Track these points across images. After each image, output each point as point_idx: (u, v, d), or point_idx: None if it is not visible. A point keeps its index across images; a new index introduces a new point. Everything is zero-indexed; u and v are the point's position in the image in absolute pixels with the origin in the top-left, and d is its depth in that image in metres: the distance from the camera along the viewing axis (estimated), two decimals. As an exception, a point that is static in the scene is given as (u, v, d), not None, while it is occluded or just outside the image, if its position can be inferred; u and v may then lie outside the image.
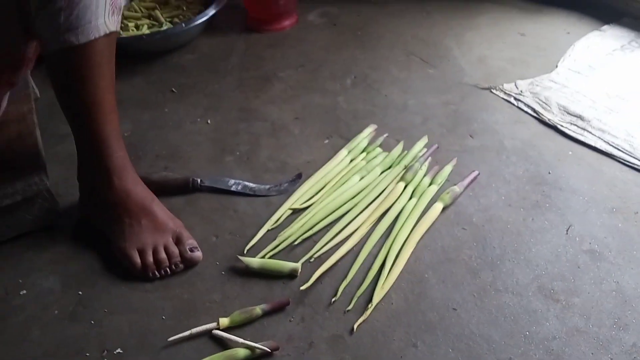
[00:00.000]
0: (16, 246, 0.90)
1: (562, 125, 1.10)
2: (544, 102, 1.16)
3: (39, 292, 0.83)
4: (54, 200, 0.92)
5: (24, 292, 0.83)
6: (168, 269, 0.85)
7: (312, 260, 0.84)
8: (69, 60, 0.79)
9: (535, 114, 1.14)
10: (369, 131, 1.11)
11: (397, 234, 0.87)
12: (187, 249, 0.86)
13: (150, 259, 0.84)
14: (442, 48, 1.40)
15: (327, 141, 1.12)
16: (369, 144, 1.09)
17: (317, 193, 0.97)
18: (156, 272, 0.84)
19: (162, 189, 0.95)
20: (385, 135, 1.10)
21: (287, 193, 0.98)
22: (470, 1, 1.59)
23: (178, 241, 0.87)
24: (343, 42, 1.44)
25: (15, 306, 0.81)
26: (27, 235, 0.91)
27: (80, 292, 0.82)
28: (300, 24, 1.53)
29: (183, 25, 1.34)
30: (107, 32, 0.79)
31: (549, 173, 0.99)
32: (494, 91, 1.22)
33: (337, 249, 0.85)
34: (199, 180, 0.99)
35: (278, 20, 1.49)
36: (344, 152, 1.06)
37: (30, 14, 0.78)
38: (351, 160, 1.04)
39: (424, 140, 1.08)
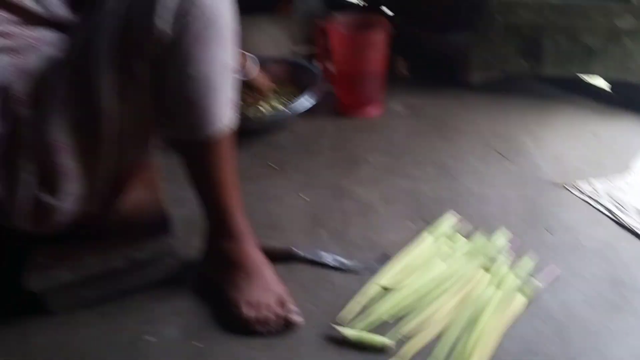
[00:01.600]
0: (143, 296, 1.04)
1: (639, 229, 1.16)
2: (619, 204, 1.23)
3: (162, 340, 0.95)
4: (177, 257, 1.07)
5: (149, 338, 0.96)
6: (271, 328, 0.96)
7: (402, 338, 0.93)
8: (201, 151, 0.94)
9: (611, 215, 1.21)
10: (450, 218, 1.21)
11: (481, 322, 0.95)
12: (289, 313, 0.97)
13: (257, 314, 0.96)
14: (518, 143, 1.51)
15: (410, 224, 1.22)
16: (451, 230, 1.18)
17: (403, 274, 1.07)
18: (260, 327, 0.95)
19: (268, 256, 1.08)
20: (465, 223, 1.20)
21: (376, 271, 1.08)
22: (545, 100, 1.70)
23: (281, 304, 0.98)
24: (424, 132, 1.58)
25: (140, 348, 0.94)
26: (153, 287, 1.05)
27: (197, 344, 0.94)
28: (384, 112, 1.68)
29: (287, 111, 1.52)
30: (228, 128, 0.94)
31: (628, 276, 1.05)
32: (569, 189, 1.31)
33: (425, 330, 0.94)
34: (298, 251, 1.11)
35: (365, 107, 1.65)
36: (427, 236, 1.16)
37: (160, 118, 0.93)
38: (434, 246, 1.14)
39: (503, 232, 1.17)
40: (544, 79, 1.74)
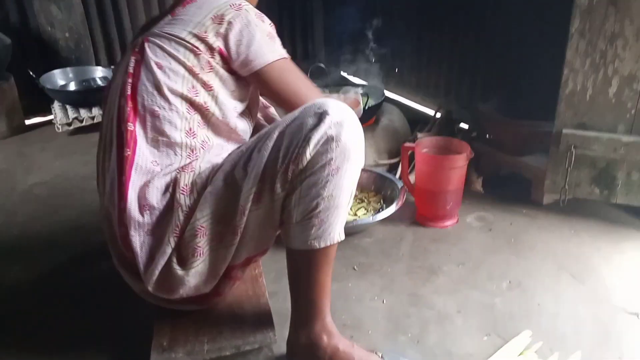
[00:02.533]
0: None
1: None
2: (695, 339, 1.26)
3: None
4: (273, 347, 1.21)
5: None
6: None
7: None
8: (308, 257, 1.11)
9: (686, 350, 1.24)
10: (525, 336, 1.29)
11: None
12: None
13: None
14: (590, 266, 1.58)
15: (485, 338, 1.31)
16: (526, 348, 1.26)
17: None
18: None
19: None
20: (540, 343, 1.27)
21: (454, 381, 1.17)
22: (617, 225, 1.78)
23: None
24: (498, 247, 1.68)
25: None
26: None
27: None
28: (460, 224, 1.81)
29: (372, 218, 1.69)
30: (340, 240, 1.12)
31: None
32: (643, 318, 1.35)
33: None
34: (381, 355, 1.22)
35: (442, 219, 1.79)
36: (502, 354, 1.24)
37: (284, 225, 1.12)
38: (509, 361, 1.22)
39: (577, 356, 1.23)
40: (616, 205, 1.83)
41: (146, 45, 1.17)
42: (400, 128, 2.30)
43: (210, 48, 1.14)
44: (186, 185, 1.13)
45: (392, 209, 1.73)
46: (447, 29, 2.59)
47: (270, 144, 1.08)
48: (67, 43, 2.94)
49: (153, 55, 1.15)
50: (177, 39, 1.14)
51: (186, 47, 1.14)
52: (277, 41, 1.21)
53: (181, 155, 1.16)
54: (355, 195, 1.92)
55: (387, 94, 2.45)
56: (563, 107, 1.65)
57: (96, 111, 2.76)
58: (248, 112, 1.28)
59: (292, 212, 1.09)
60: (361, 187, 1.95)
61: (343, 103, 1.10)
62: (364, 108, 2.14)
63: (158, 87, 1.14)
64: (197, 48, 1.14)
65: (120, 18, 3.15)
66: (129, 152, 1.13)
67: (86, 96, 2.82)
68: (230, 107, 1.20)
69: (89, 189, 2.18)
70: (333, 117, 1.05)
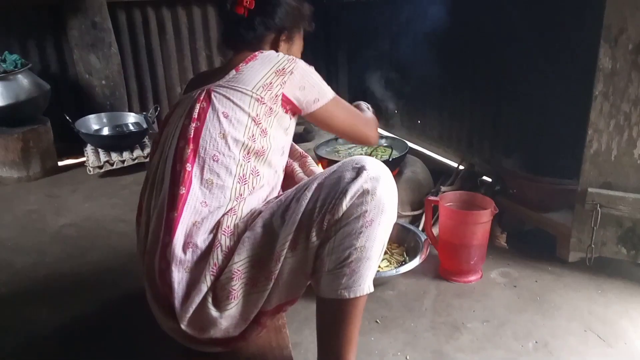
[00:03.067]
0: None
1: None
2: None
3: None
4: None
5: None
6: None
7: None
8: (337, 307, 1.13)
9: None
10: (553, 401, 1.26)
11: None
12: None
13: None
14: (618, 328, 1.55)
15: (512, 400, 1.28)
16: (554, 414, 1.23)
17: None
18: None
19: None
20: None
21: None
22: (645, 285, 1.75)
23: None
24: (523, 305, 1.66)
25: None
26: None
27: None
28: (484, 280, 1.80)
29: (395, 271, 1.70)
30: (369, 292, 1.14)
31: None
32: (676, 386, 1.31)
33: None
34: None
35: (466, 274, 1.78)
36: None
37: (316, 273, 1.15)
38: None
39: None
40: (643, 263, 1.80)
41: (213, 95, 1.26)
42: (423, 180, 2.32)
43: (275, 96, 1.26)
44: (228, 227, 1.18)
45: (415, 262, 1.74)
46: (469, 82, 2.65)
47: (309, 194, 1.14)
48: (103, 90, 3.08)
49: (220, 104, 1.24)
50: (243, 91, 1.25)
51: (252, 97, 1.24)
52: (325, 82, 1.37)
53: (229, 199, 1.22)
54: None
55: (410, 144, 2.49)
56: (588, 167, 1.66)
57: (127, 155, 2.85)
58: (283, 155, 1.37)
59: (324, 261, 1.13)
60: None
61: (379, 162, 1.17)
62: (388, 160, 2.18)
63: (223, 135, 1.22)
64: (262, 98, 1.25)
65: (154, 68, 3.29)
66: (183, 191, 1.19)
67: (118, 140, 2.93)
68: (277, 149, 1.30)
69: (116, 231, 2.24)
70: (370, 172, 1.11)
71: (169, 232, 1.16)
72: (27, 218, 2.40)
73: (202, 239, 1.17)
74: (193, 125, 1.24)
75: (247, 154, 1.24)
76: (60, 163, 3.01)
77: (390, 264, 1.84)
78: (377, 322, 1.60)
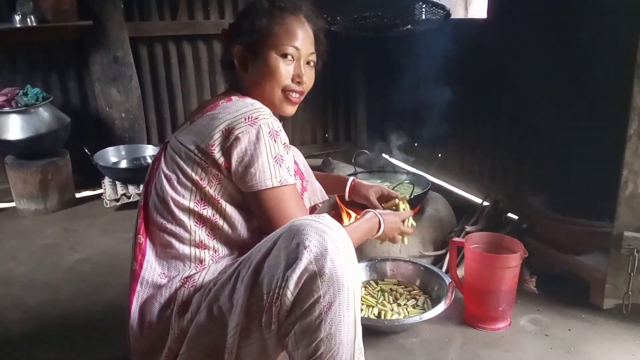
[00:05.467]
0: None
1: None
2: None
3: None
4: None
5: None
6: None
7: None
8: None
9: None
10: None
11: None
12: None
13: None
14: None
15: None
16: None
17: None
18: None
19: None
20: None
21: None
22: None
23: None
24: (556, 357, 1.55)
25: None
26: None
27: None
28: (513, 327, 1.70)
29: (418, 317, 1.61)
30: None
31: None
32: None
33: None
34: None
35: (494, 321, 1.69)
36: None
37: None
38: None
39: None
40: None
41: (165, 152, 1.17)
42: (446, 217, 2.24)
43: (216, 163, 1.10)
44: (183, 303, 1.08)
45: (440, 307, 1.65)
46: (493, 117, 2.59)
47: (252, 277, 0.99)
48: (123, 123, 3.09)
49: (165, 165, 1.14)
50: (187, 151, 1.11)
51: (194, 161, 1.10)
52: (284, 164, 1.11)
53: (189, 267, 1.13)
54: (401, 289, 1.84)
55: (429, 177, 2.42)
56: (623, 209, 1.57)
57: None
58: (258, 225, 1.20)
59: (292, 355, 1.02)
60: (406, 281, 1.88)
61: (320, 220, 0.99)
62: (410, 197, 2.11)
63: (165, 201, 1.12)
64: (204, 162, 1.10)
65: (174, 100, 3.30)
66: (135, 266, 1.13)
67: (135, 174, 2.91)
68: (239, 220, 1.15)
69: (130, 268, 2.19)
70: (312, 249, 0.94)
71: (129, 309, 1.11)
72: (42, 252, 2.37)
73: (157, 317, 1.09)
74: (144, 190, 1.17)
75: (198, 220, 1.12)
76: (78, 195, 3.00)
77: (413, 308, 1.74)
78: (400, 373, 1.51)
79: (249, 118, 1.08)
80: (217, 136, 1.08)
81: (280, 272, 0.96)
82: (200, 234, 1.12)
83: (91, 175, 3.00)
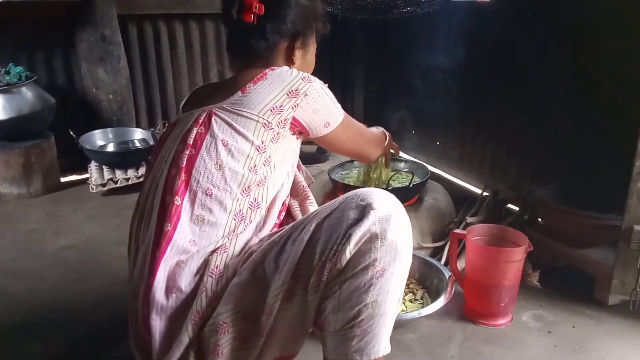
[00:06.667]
0: None
1: None
2: None
3: None
4: None
5: None
6: None
7: None
8: None
9: None
10: None
11: None
12: None
13: None
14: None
15: None
16: None
17: None
18: None
19: None
20: None
21: None
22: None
23: None
24: (561, 356, 1.48)
25: None
26: None
27: None
28: (515, 323, 1.63)
29: (417, 313, 1.54)
30: (386, 353, 0.98)
31: None
32: None
33: None
34: None
35: (495, 317, 1.62)
36: None
37: (321, 331, 0.99)
38: None
39: None
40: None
41: (214, 119, 1.11)
42: (446, 208, 2.16)
43: (284, 120, 1.12)
44: (217, 267, 1.03)
45: (440, 302, 1.57)
46: (495, 103, 2.50)
47: (306, 237, 0.97)
48: (110, 105, 2.97)
49: (219, 131, 1.09)
50: (249, 115, 1.10)
51: (257, 123, 1.10)
52: (337, 102, 1.26)
53: (221, 237, 1.07)
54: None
55: (429, 167, 2.33)
56: (634, 202, 1.50)
57: (131, 173, 2.73)
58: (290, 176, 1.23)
59: (329, 319, 0.97)
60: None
61: (385, 191, 1.02)
62: (408, 187, 2.03)
63: (220, 166, 1.08)
64: (269, 123, 1.11)
65: (164, 82, 3.19)
66: (169, 228, 1.05)
67: (123, 158, 2.81)
68: (281, 174, 1.16)
69: (117, 255, 2.10)
70: (378, 212, 0.95)
71: (151, 274, 1.02)
72: (25, 238, 2.28)
73: (186, 282, 1.02)
74: (187, 152, 1.09)
75: (247, 187, 1.09)
76: (63, 179, 2.89)
77: (412, 302, 1.67)
78: (398, 370, 1.44)
79: (305, 78, 1.17)
80: (283, 98, 1.13)
81: (342, 230, 0.95)
82: (243, 203, 1.10)
83: (77, 159, 2.88)
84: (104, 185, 2.67)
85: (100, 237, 2.29)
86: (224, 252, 1.05)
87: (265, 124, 1.10)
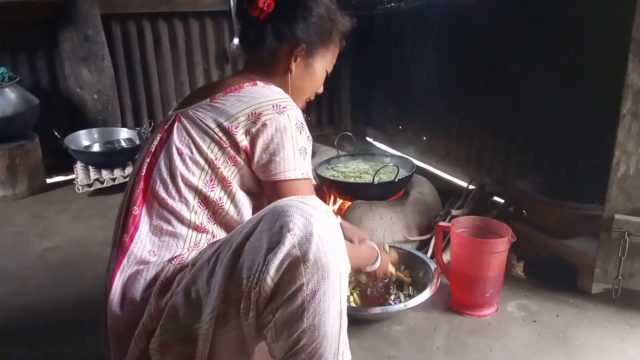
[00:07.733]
0: None
1: None
2: None
3: None
4: None
5: None
6: None
7: None
8: None
9: None
10: None
11: None
12: None
13: None
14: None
15: None
16: None
17: None
18: None
19: None
20: None
21: None
22: (677, 321, 1.59)
23: None
24: (546, 345, 1.50)
25: None
26: None
27: None
28: (500, 314, 1.65)
29: (403, 305, 1.55)
30: None
31: None
32: None
33: None
34: None
35: (481, 307, 1.63)
36: None
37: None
38: None
39: None
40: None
41: (176, 126, 1.09)
42: (431, 201, 2.17)
43: (237, 145, 1.05)
44: (167, 280, 1.00)
45: (425, 294, 1.58)
46: (480, 99, 2.52)
47: (230, 259, 0.92)
48: (95, 105, 2.95)
49: (177, 139, 1.07)
50: (206, 128, 1.06)
51: (213, 139, 1.05)
52: (307, 157, 1.10)
53: (182, 248, 1.05)
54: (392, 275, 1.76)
55: (415, 161, 2.34)
56: (615, 191, 1.52)
57: (118, 172, 2.71)
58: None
59: (272, 347, 0.94)
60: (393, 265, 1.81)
61: (306, 202, 0.92)
62: (393, 181, 2.04)
63: (173, 175, 1.05)
64: (224, 142, 1.05)
65: (149, 82, 3.17)
66: (125, 238, 1.04)
67: (109, 158, 2.79)
68: (246, 205, 1.10)
69: (103, 256, 2.05)
70: (296, 233, 0.87)
71: (108, 284, 1.02)
72: (10, 241, 2.26)
73: (141, 293, 1.00)
74: (147, 160, 1.08)
75: (203, 201, 1.05)
76: (49, 180, 2.88)
77: (397, 296, 1.68)
78: (384, 363, 1.44)
79: (277, 106, 1.06)
80: (242, 119, 1.05)
81: (261, 255, 0.89)
82: (202, 216, 1.06)
83: (62, 160, 2.87)
84: (90, 185, 2.65)
85: (86, 238, 2.27)
86: (179, 263, 1.02)
87: (219, 142, 1.05)
